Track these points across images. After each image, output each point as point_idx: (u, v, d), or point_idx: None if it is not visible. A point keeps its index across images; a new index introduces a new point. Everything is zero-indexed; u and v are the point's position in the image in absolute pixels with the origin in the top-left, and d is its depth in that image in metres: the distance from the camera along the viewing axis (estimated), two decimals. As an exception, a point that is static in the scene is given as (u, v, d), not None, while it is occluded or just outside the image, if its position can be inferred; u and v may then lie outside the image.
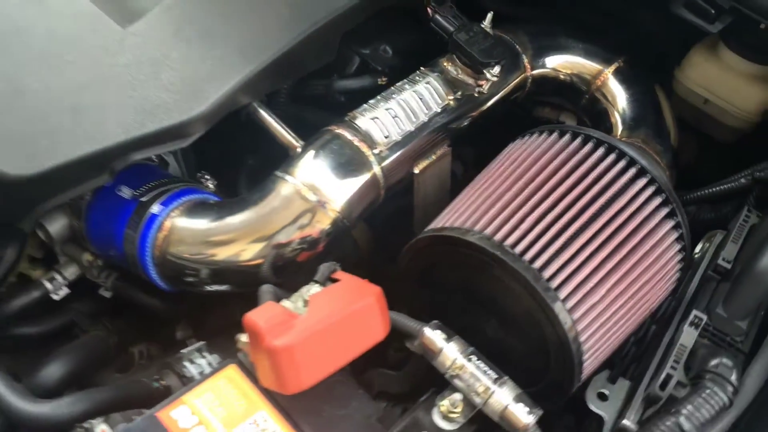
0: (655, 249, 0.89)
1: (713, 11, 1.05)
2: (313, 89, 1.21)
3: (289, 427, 0.80)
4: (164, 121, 0.93)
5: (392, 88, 1.08)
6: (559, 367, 0.86)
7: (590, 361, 0.86)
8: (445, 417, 0.83)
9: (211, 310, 1.20)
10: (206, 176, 1.09)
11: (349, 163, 0.99)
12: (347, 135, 1.01)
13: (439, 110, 1.07)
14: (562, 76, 1.21)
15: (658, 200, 0.91)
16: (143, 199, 0.99)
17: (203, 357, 1.02)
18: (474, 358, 0.82)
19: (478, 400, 0.81)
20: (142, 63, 0.98)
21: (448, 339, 0.83)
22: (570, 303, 0.82)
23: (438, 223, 0.92)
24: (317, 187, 0.97)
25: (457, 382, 0.82)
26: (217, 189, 1.10)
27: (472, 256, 0.85)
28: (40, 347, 1.16)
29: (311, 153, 1.00)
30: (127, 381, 1.01)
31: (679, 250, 0.94)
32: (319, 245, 0.99)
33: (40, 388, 0.99)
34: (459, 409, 0.83)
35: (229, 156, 1.25)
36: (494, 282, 0.85)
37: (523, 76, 1.19)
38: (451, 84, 1.10)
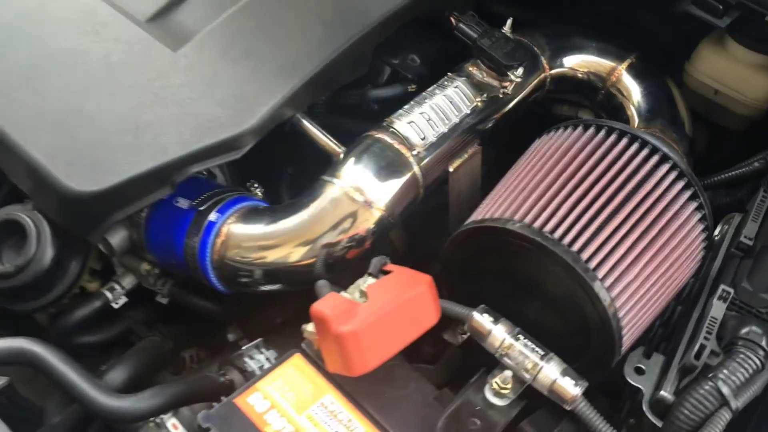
0: (681, 229, 0.95)
1: (721, 7, 1.10)
2: (349, 99, 1.26)
3: (354, 408, 0.85)
4: (219, 134, 0.99)
5: (424, 93, 1.14)
6: (600, 343, 0.91)
7: (628, 336, 0.91)
8: (497, 394, 0.88)
9: (256, 313, 1.25)
10: (255, 184, 1.15)
11: (390, 164, 1.05)
12: (387, 139, 1.07)
13: (468, 111, 1.13)
14: (579, 75, 1.27)
15: (680, 184, 0.96)
16: (201, 208, 1.05)
17: (261, 353, 1.07)
18: (521, 337, 0.87)
19: (527, 376, 0.86)
20: (194, 83, 1.04)
21: (495, 321, 0.88)
22: (607, 282, 0.87)
23: (477, 215, 0.98)
24: (362, 188, 1.03)
25: (506, 360, 0.87)
26: (264, 196, 1.17)
27: (513, 244, 0.91)
28: (99, 355, 1.23)
29: (354, 157, 1.05)
30: (197, 376, 1.06)
31: (703, 230, 0.99)
32: (366, 242, 1.04)
33: None
34: (509, 386, 0.88)
35: (269, 166, 1.32)
36: (535, 267, 0.91)
37: (542, 76, 1.25)
38: (477, 87, 1.16)
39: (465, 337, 1.04)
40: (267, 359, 1.06)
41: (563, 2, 1.38)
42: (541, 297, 0.94)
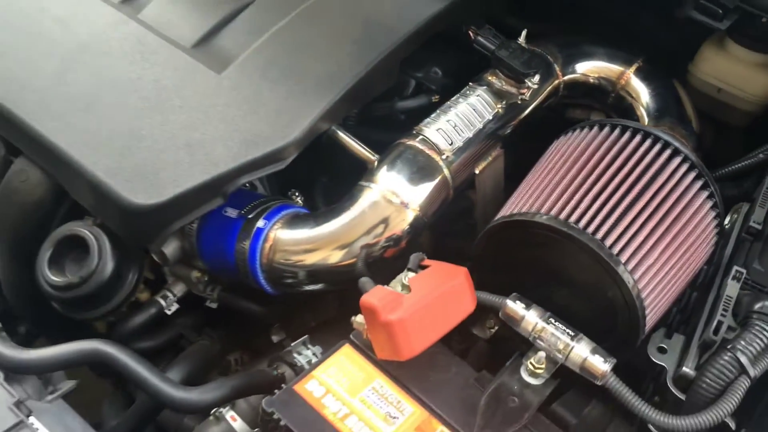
0: (695, 216, 1.00)
1: (721, 11, 1.16)
2: (378, 111, 1.33)
3: (402, 391, 0.90)
4: (265, 148, 1.06)
5: (448, 102, 1.20)
6: (625, 323, 0.96)
7: (651, 315, 0.96)
8: (532, 374, 0.93)
9: (294, 316, 1.31)
10: (296, 193, 1.22)
11: (422, 168, 1.11)
12: (418, 145, 1.13)
13: (490, 117, 1.20)
14: (590, 80, 1.32)
15: (692, 175, 1.02)
16: (249, 216, 1.11)
17: (308, 348, 1.13)
18: (552, 320, 0.92)
19: (559, 356, 0.90)
20: (239, 101, 1.11)
21: (527, 307, 0.93)
22: (630, 265, 0.93)
23: (505, 211, 1.03)
24: (398, 191, 1.09)
25: (539, 342, 0.92)
26: (304, 203, 1.24)
27: (541, 236, 0.96)
28: (152, 360, 1.29)
29: (389, 163, 1.12)
30: (253, 371, 1.12)
31: (714, 217, 1.04)
32: (402, 242, 1.10)
33: None
34: (543, 366, 0.92)
35: (305, 177, 1.38)
36: (562, 255, 0.96)
37: (556, 82, 1.30)
38: (497, 94, 1.22)
39: (493, 331, 1.10)
40: (313, 354, 1.12)
41: (572, 13, 1.44)
42: (568, 284, 0.99)
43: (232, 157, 1.05)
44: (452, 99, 1.21)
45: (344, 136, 1.16)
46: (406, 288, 0.93)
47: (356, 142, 1.16)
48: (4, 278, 1.26)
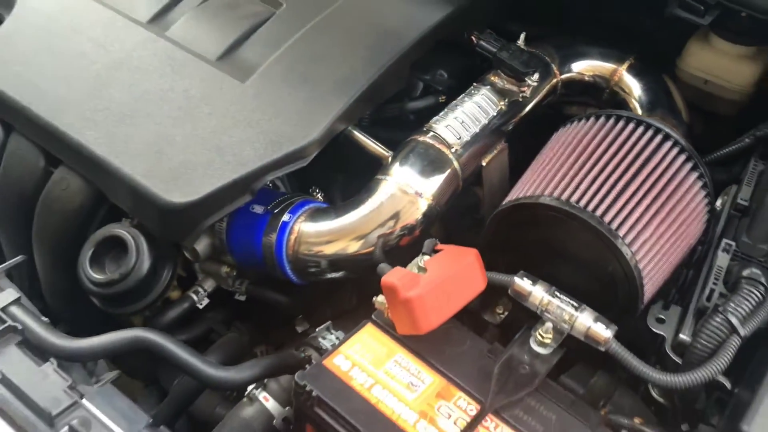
0: (686, 195, 1.06)
1: (702, 7, 1.22)
2: (389, 112, 1.39)
3: (422, 363, 0.96)
4: (290, 147, 1.12)
5: (455, 101, 1.27)
6: (625, 293, 1.01)
7: (648, 286, 1.02)
8: (540, 344, 0.98)
9: (315, 308, 1.37)
10: (317, 190, 1.29)
11: (434, 161, 1.18)
12: (429, 140, 1.20)
13: (494, 114, 1.26)
14: (585, 78, 1.39)
15: (682, 157, 1.08)
16: (275, 211, 1.17)
17: (331, 333, 1.18)
18: (557, 294, 0.97)
19: (565, 326, 0.96)
20: (263, 106, 1.17)
21: (534, 283, 0.99)
22: (628, 239, 0.98)
23: (512, 196, 1.10)
24: (411, 182, 1.15)
25: (546, 315, 0.97)
26: (324, 199, 1.30)
27: (545, 215, 1.03)
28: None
29: (403, 158, 1.18)
30: (282, 353, 1.18)
31: (705, 195, 1.10)
32: (416, 230, 1.16)
33: None
34: (551, 336, 0.97)
35: (321, 175, 1.45)
36: (565, 233, 1.02)
37: (554, 81, 1.37)
38: (500, 93, 1.29)
39: (503, 316, 1.16)
40: (336, 338, 1.17)
41: (566, 16, 1.51)
42: (572, 260, 1.05)
43: (258, 156, 1.11)
44: (459, 98, 1.28)
45: (360, 136, 1.23)
46: (422, 270, 0.99)
47: (371, 140, 1.23)
48: (45, 282, 1.32)
